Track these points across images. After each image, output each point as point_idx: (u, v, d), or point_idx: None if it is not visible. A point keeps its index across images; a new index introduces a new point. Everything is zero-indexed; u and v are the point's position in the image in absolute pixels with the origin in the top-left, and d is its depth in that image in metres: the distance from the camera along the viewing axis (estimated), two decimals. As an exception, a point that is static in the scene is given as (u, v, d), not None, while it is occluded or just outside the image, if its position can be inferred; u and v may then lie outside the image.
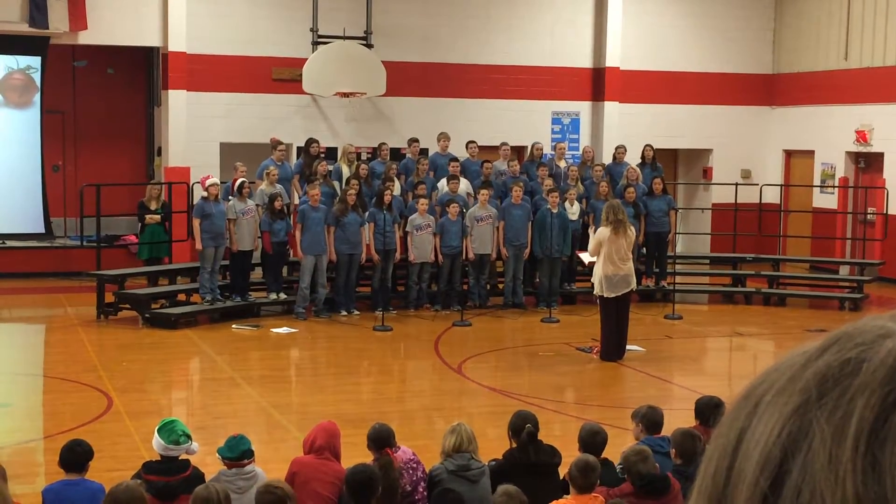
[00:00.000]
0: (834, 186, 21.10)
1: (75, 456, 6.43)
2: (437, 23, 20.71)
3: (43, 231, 20.09)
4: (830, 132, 21.17)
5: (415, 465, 6.92)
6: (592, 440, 6.86)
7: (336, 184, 16.96)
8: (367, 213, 16.15)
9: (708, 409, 7.48)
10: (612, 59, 21.52)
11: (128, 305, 15.77)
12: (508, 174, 17.65)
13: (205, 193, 15.82)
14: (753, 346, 15.47)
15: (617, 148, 19.00)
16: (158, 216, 17.62)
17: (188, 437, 6.59)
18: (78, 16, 18.60)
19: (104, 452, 8.85)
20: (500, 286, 17.32)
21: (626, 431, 8.74)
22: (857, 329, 0.77)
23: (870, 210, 20.21)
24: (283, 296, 16.32)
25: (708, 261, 20.75)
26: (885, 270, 19.14)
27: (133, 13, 19.10)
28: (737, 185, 20.01)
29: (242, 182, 15.97)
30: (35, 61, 19.78)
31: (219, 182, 16.29)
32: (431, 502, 6.78)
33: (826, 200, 21.32)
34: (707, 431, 6.89)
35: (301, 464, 6.77)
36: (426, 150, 18.40)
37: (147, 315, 15.41)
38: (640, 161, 18.66)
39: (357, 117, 20.02)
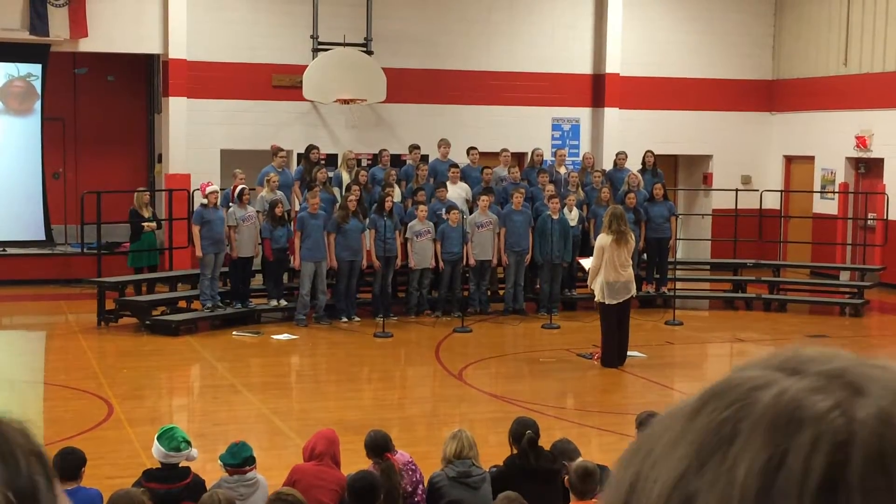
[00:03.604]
0: (834, 192, 21.09)
1: (68, 464, 6.38)
2: (438, 29, 20.71)
3: (43, 238, 20.08)
4: (830, 138, 21.16)
5: (413, 468, 6.96)
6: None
7: (336, 190, 16.97)
8: (367, 220, 16.16)
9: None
10: (613, 65, 21.51)
11: (128, 312, 15.78)
12: (509, 180, 17.65)
13: (204, 200, 15.84)
14: (754, 351, 15.44)
15: (617, 154, 19.00)
16: (154, 223, 17.60)
17: (188, 443, 6.59)
18: (78, 23, 18.61)
19: (105, 459, 8.86)
20: (501, 292, 17.31)
21: (625, 437, 8.73)
22: (728, 384, 0.73)
23: (870, 215, 20.21)
24: (283, 302, 16.32)
25: (708, 266, 20.72)
26: (885, 276, 19.11)
27: (133, 21, 19.10)
28: (737, 190, 20.01)
29: (242, 189, 15.99)
30: (35, 69, 19.79)
31: (219, 189, 16.31)
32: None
33: (826, 206, 21.31)
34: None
35: (301, 471, 6.77)
36: (427, 156, 18.41)
37: (148, 322, 15.41)
38: (640, 167, 18.66)
39: (357, 124, 20.01)
